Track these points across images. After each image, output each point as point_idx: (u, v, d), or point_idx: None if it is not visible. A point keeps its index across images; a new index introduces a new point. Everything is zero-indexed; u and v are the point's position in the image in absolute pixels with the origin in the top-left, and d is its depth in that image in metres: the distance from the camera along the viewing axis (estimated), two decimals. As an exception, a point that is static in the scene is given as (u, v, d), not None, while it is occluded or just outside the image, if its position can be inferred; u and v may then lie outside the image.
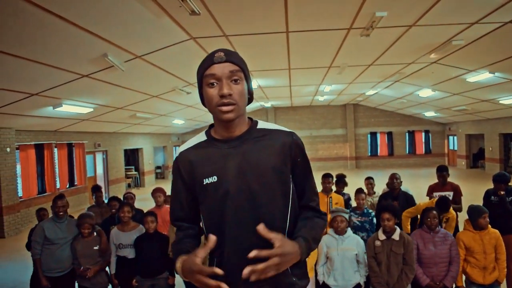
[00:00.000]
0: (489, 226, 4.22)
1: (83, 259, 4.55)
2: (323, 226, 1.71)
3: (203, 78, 1.57)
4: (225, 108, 1.52)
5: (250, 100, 1.66)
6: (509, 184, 5.37)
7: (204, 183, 1.59)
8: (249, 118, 1.70)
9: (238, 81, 1.55)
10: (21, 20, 4.76)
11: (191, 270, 1.40)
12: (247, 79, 1.61)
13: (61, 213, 4.64)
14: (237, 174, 1.56)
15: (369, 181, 6.64)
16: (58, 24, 5.03)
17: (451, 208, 5.13)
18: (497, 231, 4.24)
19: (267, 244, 1.44)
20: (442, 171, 5.98)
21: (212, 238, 1.45)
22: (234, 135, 1.62)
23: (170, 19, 5.70)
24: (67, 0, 4.53)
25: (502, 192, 5.19)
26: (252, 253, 1.37)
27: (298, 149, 1.66)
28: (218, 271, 1.37)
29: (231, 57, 1.56)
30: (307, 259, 1.66)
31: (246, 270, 1.35)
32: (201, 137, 1.70)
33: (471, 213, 4.27)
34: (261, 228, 1.43)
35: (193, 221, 1.74)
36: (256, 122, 1.69)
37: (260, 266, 1.35)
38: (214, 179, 1.57)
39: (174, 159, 1.71)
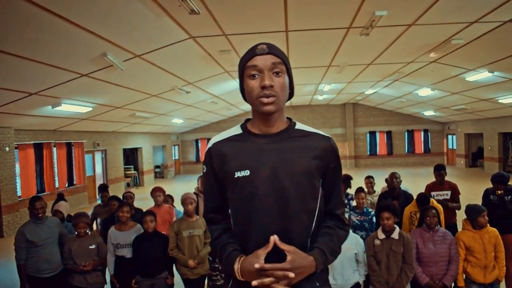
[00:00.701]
0: (488, 224, 4.23)
1: (79, 258, 4.47)
2: (344, 237, 1.69)
3: (244, 69, 1.56)
4: (266, 100, 1.50)
5: (291, 95, 1.65)
6: (509, 183, 5.38)
7: (236, 176, 1.56)
8: (287, 118, 1.69)
9: (280, 73, 1.53)
10: (21, 19, 4.75)
11: (254, 271, 1.42)
12: (289, 72, 1.60)
13: (40, 215, 4.54)
14: (270, 170, 1.53)
15: (369, 180, 6.64)
16: (57, 23, 5.02)
17: (435, 202, 5.15)
18: (495, 229, 4.25)
19: (293, 244, 1.49)
20: (439, 170, 5.98)
21: (272, 240, 1.46)
22: (272, 131, 1.60)
23: (170, 18, 5.70)
24: (67, 0, 4.54)
25: (500, 192, 5.19)
26: (257, 265, 1.40)
27: (333, 155, 1.65)
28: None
29: (274, 49, 1.55)
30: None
31: (255, 282, 1.38)
32: (236, 130, 1.68)
33: (469, 212, 4.27)
34: (276, 239, 1.45)
35: (226, 213, 1.69)
36: (295, 123, 1.67)
37: (267, 280, 1.39)
38: (246, 173, 1.54)
39: (206, 149, 1.69)
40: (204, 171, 1.69)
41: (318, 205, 1.61)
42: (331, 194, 1.67)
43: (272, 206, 1.52)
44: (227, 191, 1.62)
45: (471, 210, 4.27)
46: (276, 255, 1.45)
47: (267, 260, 1.44)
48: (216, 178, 1.64)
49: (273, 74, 1.52)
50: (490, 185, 5.44)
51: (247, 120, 1.70)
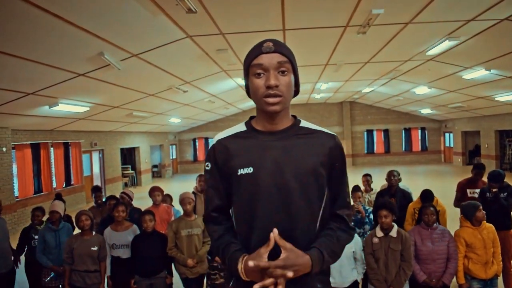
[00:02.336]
0: (485, 221, 4.29)
1: (80, 259, 4.44)
2: (347, 240, 1.63)
3: (250, 67, 1.53)
4: (271, 100, 1.48)
5: (297, 92, 1.63)
6: (505, 180, 5.41)
7: (239, 173, 1.54)
8: (292, 115, 1.67)
9: (286, 72, 1.51)
10: (18, 19, 4.74)
11: (258, 270, 1.40)
12: (295, 71, 1.57)
13: None
14: (274, 168, 1.51)
15: (366, 178, 6.66)
16: (54, 23, 5.00)
17: (440, 201, 5.17)
18: (491, 225, 4.32)
19: (298, 241, 1.47)
20: (480, 169, 5.87)
21: (272, 237, 1.42)
22: (276, 128, 1.58)
23: (167, 17, 5.69)
24: (63, -1, 4.52)
25: (494, 190, 5.23)
26: (251, 263, 1.38)
27: (339, 153, 1.62)
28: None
29: (280, 47, 1.52)
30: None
31: (256, 286, 1.37)
32: (241, 127, 1.66)
33: (466, 210, 4.30)
34: (275, 233, 1.42)
35: (228, 213, 1.67)
36: (300, 120, 1.66)
37: (267, 282, 1.38)
38: (250, 170, 1.53)
39: (210, 146, 1.66)
40: (208, 168, 1.65)
41: (323, 205, 1.58)
42: (336, 194, 1.63)
43: (275, 204, 1.50)
44: (231, 188, 1.60)
45: (467, 207, 4.30)
46: (276, 252, 1.43)
47: (271, 258, 1.41)
48: (220, 174, 1.62)
49: (279, 73, 1.50)
50: (508, 183, 5.49)
51: (252, 118, 1.68)
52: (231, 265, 1.52)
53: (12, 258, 5.22)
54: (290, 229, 1.49)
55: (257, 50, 1.52)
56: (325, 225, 1.60)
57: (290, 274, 1.37)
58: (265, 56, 1.50)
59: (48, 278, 4.90)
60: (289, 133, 1.58)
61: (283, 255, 1.40)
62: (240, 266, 1.46)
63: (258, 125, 1.61)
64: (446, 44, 7.91)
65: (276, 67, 1.49)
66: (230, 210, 1.66)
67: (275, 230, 1.42)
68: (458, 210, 4.96)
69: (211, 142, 1.71)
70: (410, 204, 5.29)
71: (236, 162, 1.56)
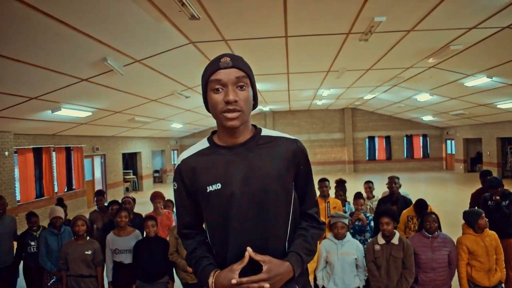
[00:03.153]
0: (487, 228, 4.28)
1: (74, 263, 4.46)
2: (318, 235, 1.70)
3: (208, 83, 1.54)
4: (230, 115, 1.50)
5: (255, 106, 1.64)
6: (506, 188, 5.42)
7: (208, 191, 1.57)
8: (252, 125, 1.69)
9: (244, 87, 1.53)
10: (21, 24, 4.77)
11: (229, 285, 1.42)
12: (253, 85, 1.59)
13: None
14: (241, 181, 1.54)
15: (368, 185, 6.65)
16: (57, 28, 5.03)
17: (433, 209, 5.15)
18: (494, 232, 4.31)
19: (270, 249, 1.51)
20: (485, 176, 5.85)
21: (247, 254, 1.47)
22: (238, 141, 1.60)
23: (170, 23, 5.72)
24: (67, 4, 4.54)
25: (496, 197, 5.23)
26: (234, 281, 1.41)
27: (302, 157, 1.66)
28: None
29: (237, 62, 1.54)
30: (308, 264, 1.68)
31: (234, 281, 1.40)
32: (203, 144, 1.68)
33: (469, 218, 4.29)
34: (250, 251, 1.47)
35: (200, 227, 1.73)
36: (260, 129, 1.67)
37: None
38: (218, 186, 1.55)
39: (175, 166, 1.69)
40: (175, 187, 1.68)
41: (291, 209, 1.62)
42: (304, 195, 1.69)
43: (246, 216, 1.53)
44: (201, 204, 1.63)
45: (470, 215, 4.30)
46: (252, 267, 1.47)
47: (243, 273, 1.45)
48: (188, 194, 1.65)
49: (237, 88, 1.51)
50: (509, 190, 5.49)
51: (214, 133, 1.70)
52: (202, 279, 1.56)
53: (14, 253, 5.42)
54: (264, 238, 1.54)
55: (215, 66, 1.53)
56: (296, 226, 1.66)
57: (267, 285, 1.41)
58: (223, 71, 1.51)
59: (51, 282, 4.91)
60: (251, 144, 1.60)
61: (265, 267, 1.44)
62: (211, 281, 1.50)
63: (220, 140, 1.64)
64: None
65: (234, 82, 1.51)
66: (204, 225, 1.70)
67: (249, 249, 1.47)
68: (459, 216, 4.95)
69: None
70: (404, 211, 5.26)
71: (203, 180, 1.58)
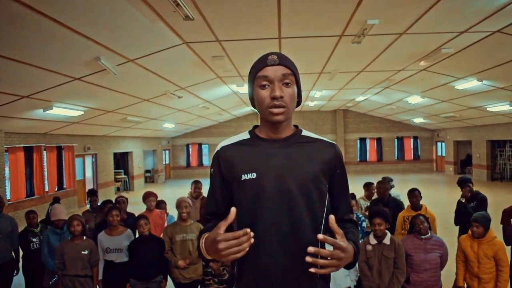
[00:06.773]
0: (495, 237, 4.09)
1: (70, 263, 4.45)
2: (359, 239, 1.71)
3: (255, 79, 1.60)
4: (276, 110, 1.54)
5: (299, 103, 1.68)
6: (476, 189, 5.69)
7: (242, 179, 1.59)
8: (294, 125, 1.73)
9: (290, 84, 1.57)
10: (14, 23, 4.74)
11: (215, 241, 1.35)
12: (298, 83, 1.64)
13: None
14: (277, 174, 1.56)
15: (371, 186, 6.60)
16: (51, 27, 5.02)
17: (429, 209, 5.23)
18: (501, 241, 4.13)
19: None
20: None
21: (233, 210, 1.41)
22: (279, 136, 1.64)
23: (164, 23, 5.72)
24: (61, 3, 4.53)
25: (462, 200, 5.56)
26: (311, 248, 1.34)
27: (339, 161, 1.69)
28: (247, 230, 1.34)
29: (284, 60, 1.59)
30: None
31: (312, 249, 1.33)
32: (245, 135, 1.73)
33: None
34: (332, 219, 1.41)
35: (223, 216, 1.65)
36: (301, 130, 1.71)
37: (325, 251, 1.35)
38: (253, 175, 1.57)
39: (214, 152, 1.72)
40: (211, 172, 1.73)
41: (325, 210, 1.63)
42: (340, 200, 1.71)
43: (278, 208, 1.54)
44: (234, 193, 1.64)
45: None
46: (279, 246, 1.50)
47: (272, 255, 1.50)
48: (222, 180, 1.68)
49: (283, 85, 1.56)
50: (478, 191, 5.59)
51: (255, 127, 1.74)
52: (198, 247, 1.55)
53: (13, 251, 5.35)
54: (291, 232, 1.54)
55: (263, 63, 1.58)
56: (327, 228, 1.60)
57: (342, 255, 1.37)
58: (270, 68, 1.56)
59: (52, 281, 4.88)
60: (291, 141, 1.64)
61: (341, 240, 1.38)
62: (201, 243, 1.50)
63: (261, 134, 1.68)
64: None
65: (280, 79, 1.56)
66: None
67: (332, 216, 1.41)
68: (449, 217, 5.00)
69: (215, 148, 1.76)
70: (400, 213, 5.31)
71: (239, 168, 1.61)
